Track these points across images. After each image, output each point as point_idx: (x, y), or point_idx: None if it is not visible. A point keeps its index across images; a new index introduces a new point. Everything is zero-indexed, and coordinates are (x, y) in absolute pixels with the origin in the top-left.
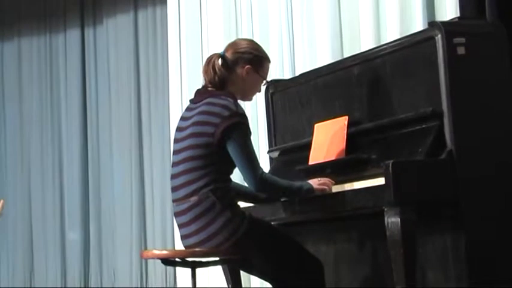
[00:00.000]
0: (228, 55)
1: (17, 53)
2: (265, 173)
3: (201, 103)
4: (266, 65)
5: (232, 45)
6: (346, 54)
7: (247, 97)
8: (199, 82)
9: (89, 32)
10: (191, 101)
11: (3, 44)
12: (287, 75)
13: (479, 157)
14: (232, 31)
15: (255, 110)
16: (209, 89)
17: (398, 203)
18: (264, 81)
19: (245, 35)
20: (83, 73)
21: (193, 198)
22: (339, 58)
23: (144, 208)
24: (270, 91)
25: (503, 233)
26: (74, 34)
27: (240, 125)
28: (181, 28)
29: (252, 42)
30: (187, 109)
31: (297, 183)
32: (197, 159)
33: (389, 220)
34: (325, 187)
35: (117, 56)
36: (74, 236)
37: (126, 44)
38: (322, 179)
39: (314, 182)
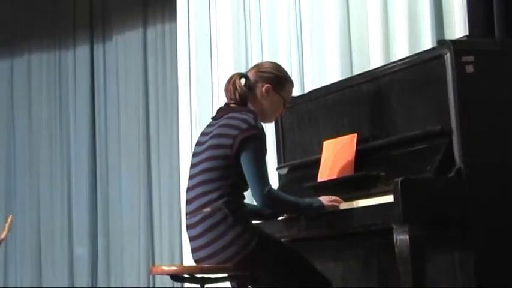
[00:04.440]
0: (250, 75)
1: (27, 69)
2: (273, 189)
3: (222, 118)
4: (288, 87)
5: (256, 66)
6: (355, 72)
7: (268, 118)
8: (208, 98)
9: (98, 49)
10: (212, 118)
11: (13, 60)
12: (296, 92)
13: (488, 175)
14: (242, 48)
15: (264, 126)
16: (231, 105)
17: (407, 220)
18: (286, 104)
19: (254, 51)
20: (91, 89)
21: (206, 210)
22: (348, 75)
23: (152, 224)
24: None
25: (511, 251)
26: (83, 50)
27: (256, 138)
28: (191, 44)
29: (275, 64)
30: (208, 125)
31: (307, 200)
32: (213, 170)
33: (398, 237)
34: (336, 204)
35: (126, 73)
36: (82, 251)
37: (135, 61)
38: (332, 196)
39: (324, 199)
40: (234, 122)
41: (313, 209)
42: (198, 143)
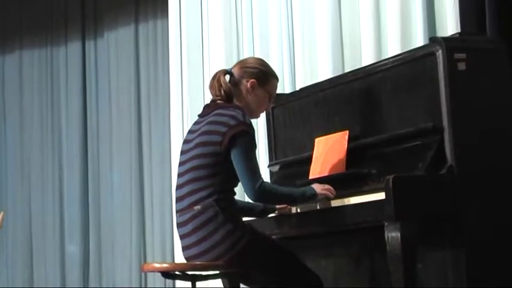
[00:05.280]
0: (235, 71)
1: (18, 66)
2: (265, 182)
3: (209, 115)
4: (273, 81)
5: (240, 62)
6: (347, 69)
7: (254, 113)
8: (200, 95)
9: (89, 45)
10: (199, 115)
11: (4, 57)
12: (288, 90)
13: (480, 172)
14: (233, 44)
15: (256, 123)
16: (218, 102)
17: (398, 218)
18: (271, 99)
19: (246, 48)
20: (83, 86)
21: (197, 208)
22: (339, 73)
23: (144, 221)
24: (271, 105)
25: (503, 250)
26: (74, 47)
27: (245, 134)
28: (182, 41)
29: (259, 59)
30: (195, 123)
31: (300, 190)
32: (203, 168)
33: (390, 235)
34: (329, 192)
35: (117, 69)
36: (73, 248)
37: (127, 57)
38: (326, 185)
39: (317, 187)
40: (222, 118)
41: (306, 198)
42: (186, 141)
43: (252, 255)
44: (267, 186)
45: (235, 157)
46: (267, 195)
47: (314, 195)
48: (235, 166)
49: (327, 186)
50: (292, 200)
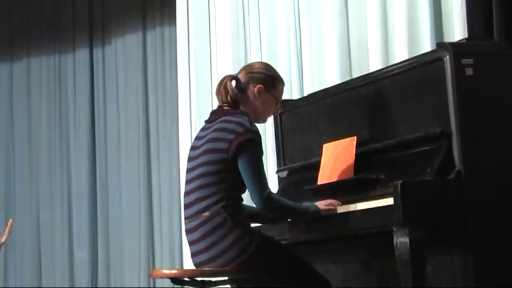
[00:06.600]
0: (241, 76)
1: (26, 73)
2: (272, 193)
3: (216, 121)
4: (279, 86)
5: (246, 67)
6: (355, 75)
7: (261, 118)
8: (208, 101)
9: (97, 52)
10: (206, 121)
11: (12, 64)
12: (295, 96)
13: (488, 177)
14: (241, 51)
15: (264, 129)
16: (224, 108)
17: (407, 223)
18: (278, 103)
19: (253, 54)
20: (91, 93)
21: (205, 214)
22: (347, 79)
23: (152, 227)
24: (279, 111)
25: (510, 253)
26: (82, 54)
27: (252, 142)
28: (190, 48)
29: (265, 64)
30: (202, 129)
31: (303, 205)
32: (210, 175)
33: (398, 240)
34: (332, 207)
35: (125, 76)
36: (82, 254)
37: (134, 64)
38: (328, 200)
39: (320, 204)
40: (229, 125)
41: (309, 214)
42: (193, 148)
43: (261, 261)
44: (275, 197)
45: (242, 165)
46: (273, 206)
47: (317, 212)
48: (242, 174)
49: (329, 201)
50: (297, 214)
